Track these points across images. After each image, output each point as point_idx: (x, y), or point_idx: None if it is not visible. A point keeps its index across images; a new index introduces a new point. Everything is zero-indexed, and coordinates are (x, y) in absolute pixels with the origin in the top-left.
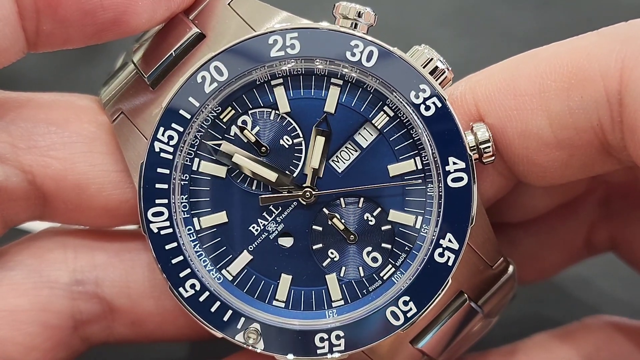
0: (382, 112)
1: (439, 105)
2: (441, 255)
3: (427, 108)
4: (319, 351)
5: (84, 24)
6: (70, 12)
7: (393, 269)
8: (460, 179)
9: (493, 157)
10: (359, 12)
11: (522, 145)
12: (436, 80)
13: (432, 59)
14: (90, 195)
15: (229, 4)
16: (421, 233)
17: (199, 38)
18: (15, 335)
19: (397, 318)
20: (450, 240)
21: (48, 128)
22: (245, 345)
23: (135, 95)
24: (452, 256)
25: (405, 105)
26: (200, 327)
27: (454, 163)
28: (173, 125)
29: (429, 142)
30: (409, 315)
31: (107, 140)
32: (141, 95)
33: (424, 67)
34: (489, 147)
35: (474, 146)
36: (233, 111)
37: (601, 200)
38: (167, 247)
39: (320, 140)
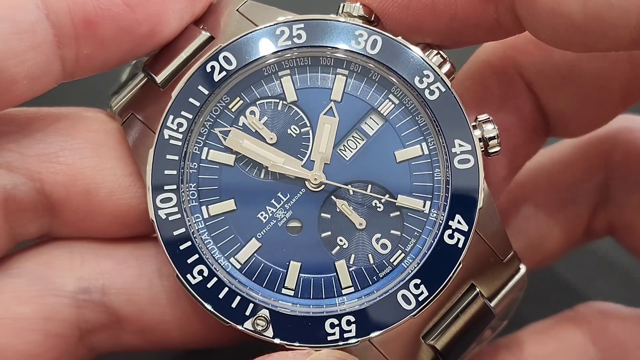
0: (387, 100)
1: (443, 89)
2: (451, 237)
3: (432, 93)
4: (329, 337)
5: (122, 41)
6: (109, 31)
7: (403, 255)
8: (467, 160)
9: (499, 148)
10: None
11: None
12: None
13: (433, 52)
14: (100, 201)
15: (237, 9)
16: (430, 217)
17: (209, 41)
18: (18, 343)
19: (408, 302)
20: (459, 222)
21: (56, 136)
22: (253, 333)
23: (146, 97)
24: (462, 238)
25: (410, 91)
26: (211, 332)
27: (460, 145)
28: (182, 113)
29: (434, 125)
30: (420, 298)
31: (115, 146)
32: (151, 96)
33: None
34: (494, 136)
35: (480, 138)
36: (241, 101)
37: (600, 186)
38: (175, 233)
39: (328, 128)
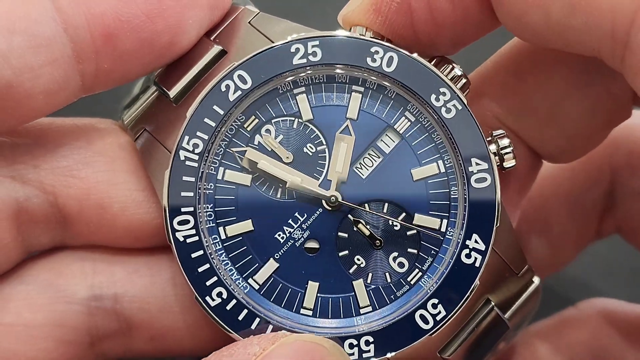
0: (403, 117)
1: (460, 107)
2: (468, 256)
3: (448, 110)
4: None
5: (142, 54)
6: (129, 44)
7: (420, 273)
8: (484, 179)
9: (514, 162)
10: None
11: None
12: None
13: (448, 67)
14: (113, 215)
15: (249, 22)
16: (447, 236)
17: (221, 54)
18: (29, 349)
19: (426, 322)
20: (476, 241)
21: (70, 149)
22: None
23: (158, 112)
24: (479, 257)
25: (427, 108)
26: (221, 340)
27: (477, 164)
28: (198, 133)
29: (451, 144)
30: (438, 318)
31: (129, 160)
32: (164, 112)
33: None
34: (509, 152)
35: (495, 152)
36: (257, 120)
37: (607, 191)
38: (193, 255)
39: (344, 146)
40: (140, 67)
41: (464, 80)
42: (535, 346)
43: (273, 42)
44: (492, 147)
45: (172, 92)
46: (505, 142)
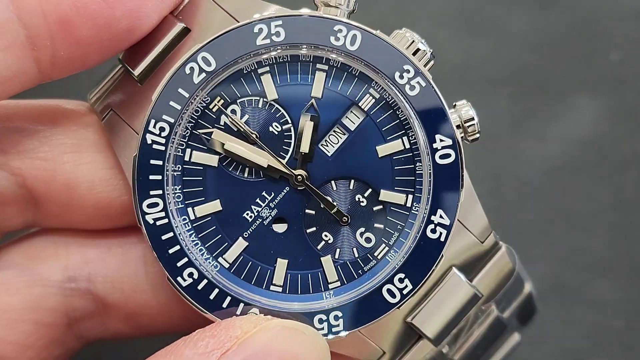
0: (368, 95)
1: (424, 84)
2: (433, 231)
3: (412, 88)
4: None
5: (100, 39)
6: (86, 31)
7: (387, 248)
8: (448, 155)
9: (478, 135)
10: None
11: None
12: (419, 61)
13: (414, 41)
14: (80, 195)
15: None
16: (412, 211)
17: (184, 32)
18: (9, 334)
19: (393, 296)
20: (441, 216)
21: (36, 131)
22: None
23: (124, 92)
24: (444, 231)
25: (391, 86)
26: (195, 317)
27: (441, 140)
28: (164, 116)
29: (415, 121)
30: (404, 292)
31: (95, 140)
32: (129, 91)
33: (406, 49)
34: (473, 124)
35: (459, 125)
36: (222, 101)
37: None
38: (164, 237)
39: (309, 125)
40: (99, 54)
41: (427, 55)
42: None
43: (235, 18)
44: (455, 118)
45: (137, 71)
46: (469, 113)
